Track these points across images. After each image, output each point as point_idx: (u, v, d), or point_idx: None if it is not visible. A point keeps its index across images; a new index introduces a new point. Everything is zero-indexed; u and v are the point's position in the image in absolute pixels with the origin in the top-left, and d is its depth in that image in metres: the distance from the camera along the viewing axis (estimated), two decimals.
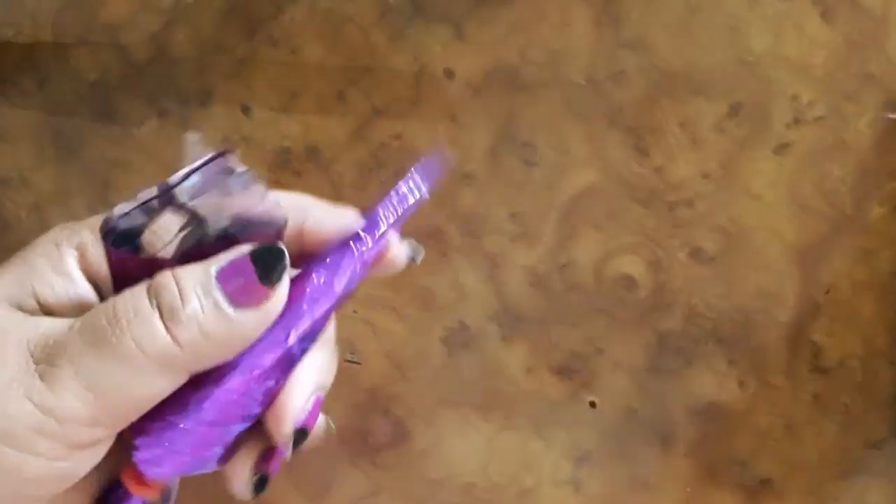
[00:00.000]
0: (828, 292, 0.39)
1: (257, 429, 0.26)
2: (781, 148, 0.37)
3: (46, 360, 0.23)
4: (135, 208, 0.24)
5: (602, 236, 0.39)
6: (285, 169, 0.41)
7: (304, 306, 0.25)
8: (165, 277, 0.23)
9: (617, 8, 0.36)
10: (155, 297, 0.23)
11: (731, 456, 0.41)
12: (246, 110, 0.41)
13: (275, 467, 0.27)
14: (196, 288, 0.23)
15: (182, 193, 0.24)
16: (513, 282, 0.40)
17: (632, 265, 0.39)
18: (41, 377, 0.23)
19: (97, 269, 0.25)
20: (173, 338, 0.23)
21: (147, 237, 0.24)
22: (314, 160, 0.41)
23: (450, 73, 0.38)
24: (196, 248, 0.24)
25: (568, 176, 0.38)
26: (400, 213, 0.27)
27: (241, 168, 0.25)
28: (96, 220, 0.26)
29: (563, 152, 0.38)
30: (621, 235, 0.39)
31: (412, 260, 0.29)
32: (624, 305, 0.40)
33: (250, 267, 0.24)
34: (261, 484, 0.27)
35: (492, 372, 0.41)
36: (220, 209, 0.24)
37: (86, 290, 0.25)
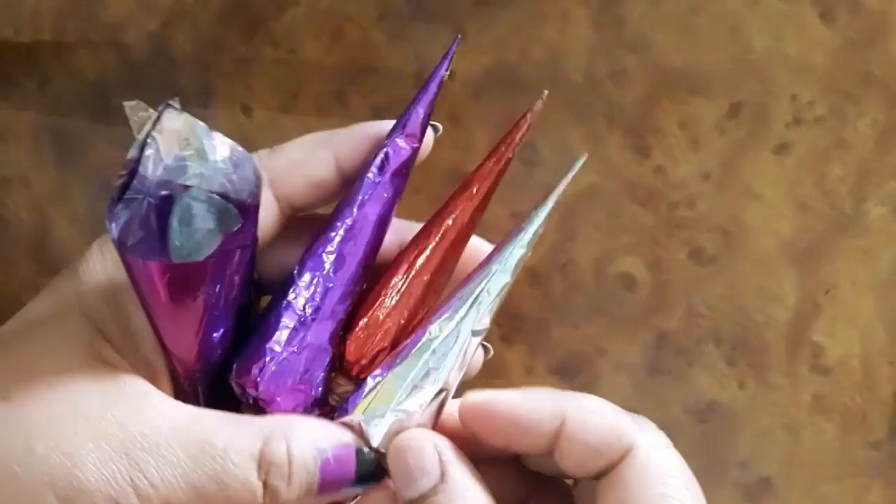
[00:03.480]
0: (828, 292, 0.39)
1: None
2: (781, 148, 0.37)
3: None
4: (121, 209, 0.24)
5: (602, 236, 0.39)
6: None
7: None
8: (279, 454, 0.24)
9: (617, 8, 0.36)
10: (265, 474, 0.24)
11: (731, 456, 0.41)
12: (246, 110, 0.41)
13: None
14: (303, 475, 0.24)
15: (147, 166, 0.24)
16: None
17: (632, 265, 0.39)
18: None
19: None
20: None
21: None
22: None
23: (450, 73, 0.38)
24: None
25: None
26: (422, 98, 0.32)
27: (189, 118, 0.25)
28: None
29: (564, 152, 0.38)
30: (621, 235, 0.39)
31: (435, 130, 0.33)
32: (624, 305, 0.40)
33: (352, 475, 0.25)
34: None
35: (492, 372, 0.41)
36: (187, 169, 0.24)
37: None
